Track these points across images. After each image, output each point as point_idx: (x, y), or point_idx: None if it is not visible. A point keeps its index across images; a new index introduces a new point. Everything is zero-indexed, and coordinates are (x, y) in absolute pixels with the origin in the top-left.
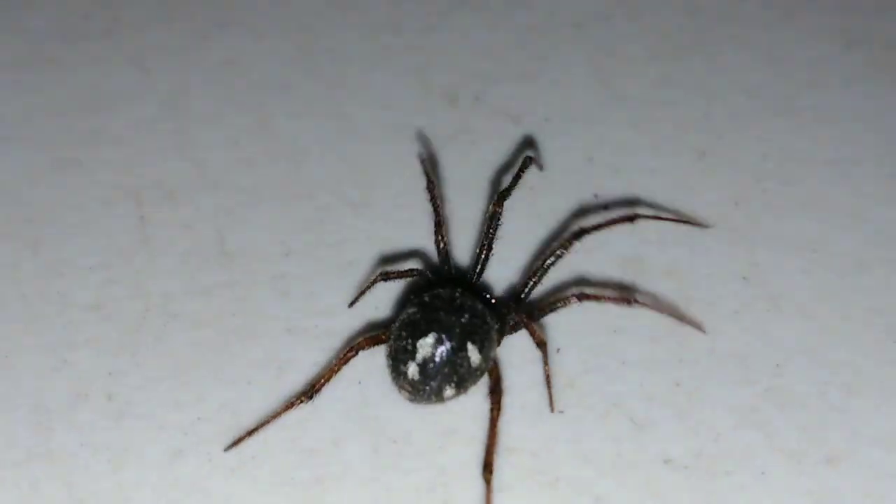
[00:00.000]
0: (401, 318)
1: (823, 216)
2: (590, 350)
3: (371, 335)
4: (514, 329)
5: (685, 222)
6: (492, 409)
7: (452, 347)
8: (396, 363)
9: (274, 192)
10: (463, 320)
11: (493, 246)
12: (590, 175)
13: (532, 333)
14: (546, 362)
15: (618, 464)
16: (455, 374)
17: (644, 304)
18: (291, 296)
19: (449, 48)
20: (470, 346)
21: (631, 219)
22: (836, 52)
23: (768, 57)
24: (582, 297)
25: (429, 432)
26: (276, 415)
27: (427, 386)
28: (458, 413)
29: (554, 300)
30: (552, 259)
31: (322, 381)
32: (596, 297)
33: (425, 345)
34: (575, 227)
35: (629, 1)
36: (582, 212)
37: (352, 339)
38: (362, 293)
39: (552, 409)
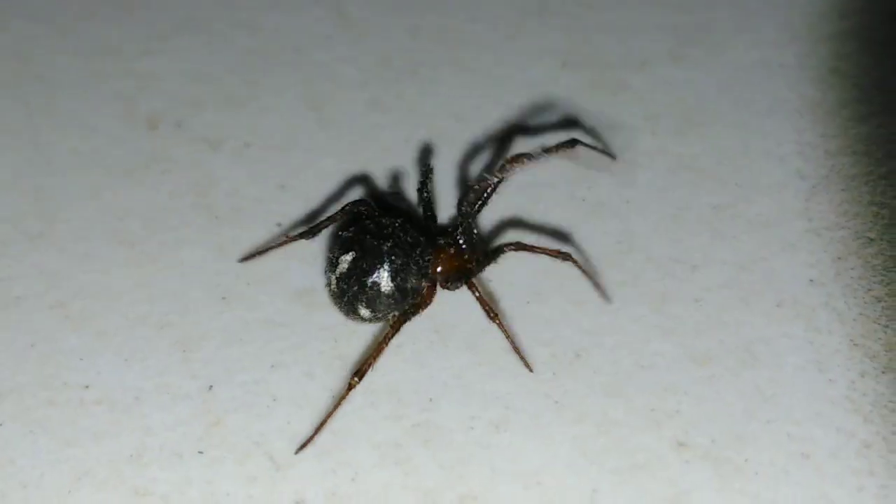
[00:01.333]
0: (340, 231)
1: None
2: (242, 386)
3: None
4: (456, 279)
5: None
6: (391, 327)
7: (364, 268)
8: (326, 273)
9: None
10: (384, 247)
11: (487, 203)
12: (279, 202)
13: (482, 303)
14: (504, 330)
15: None
16: (364, 295)
17: (575, 262)
18: None
19: (162, 73)
20: (382, 272)
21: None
22: (553, 72)
23: (486, 79)
24: (518, 247)
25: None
26: (278, 244)
27: (342, 299)
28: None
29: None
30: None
31: (318, 227)
32: (531, 249)
33: (343, 260)
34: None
35: (353, 23)
36: (261, 239)
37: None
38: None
39: (530, 369)
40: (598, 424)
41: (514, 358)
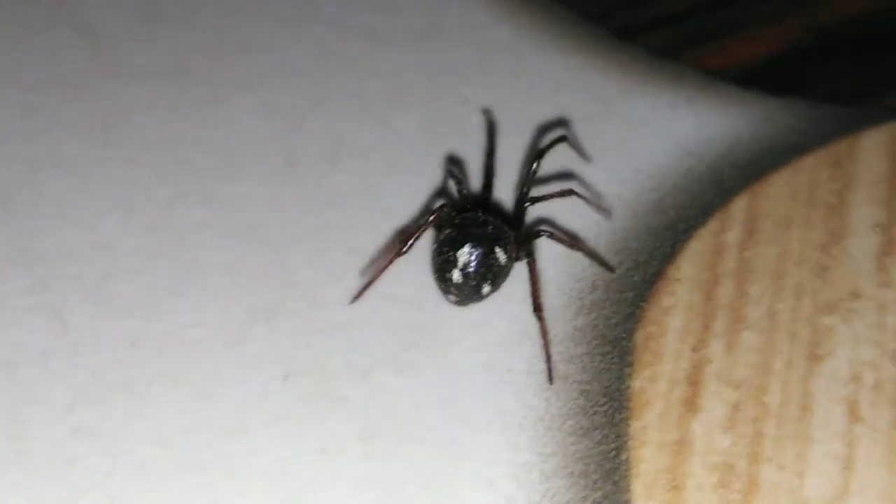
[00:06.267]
0: (440, 237)
1: None
2: None
3: (450, 208)
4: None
5: None
6: (530, 271)
7: (485, 251)
8: (442, 273)
9: None
10: (488, 230)
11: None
12: None
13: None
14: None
15: None
16: (490, 273)
17: (583, 250)
18: None
19: None
20: (498, 249)
21: None
22: (274, 385)
23: (200, 394)
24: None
25: None
26: (380, 270)
27: (469, 284)
28: None
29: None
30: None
31: (412, 239)
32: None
33: (463, 253)
34: None
35: (70, 332)
36: None
37: None
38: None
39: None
40: None
41: None
